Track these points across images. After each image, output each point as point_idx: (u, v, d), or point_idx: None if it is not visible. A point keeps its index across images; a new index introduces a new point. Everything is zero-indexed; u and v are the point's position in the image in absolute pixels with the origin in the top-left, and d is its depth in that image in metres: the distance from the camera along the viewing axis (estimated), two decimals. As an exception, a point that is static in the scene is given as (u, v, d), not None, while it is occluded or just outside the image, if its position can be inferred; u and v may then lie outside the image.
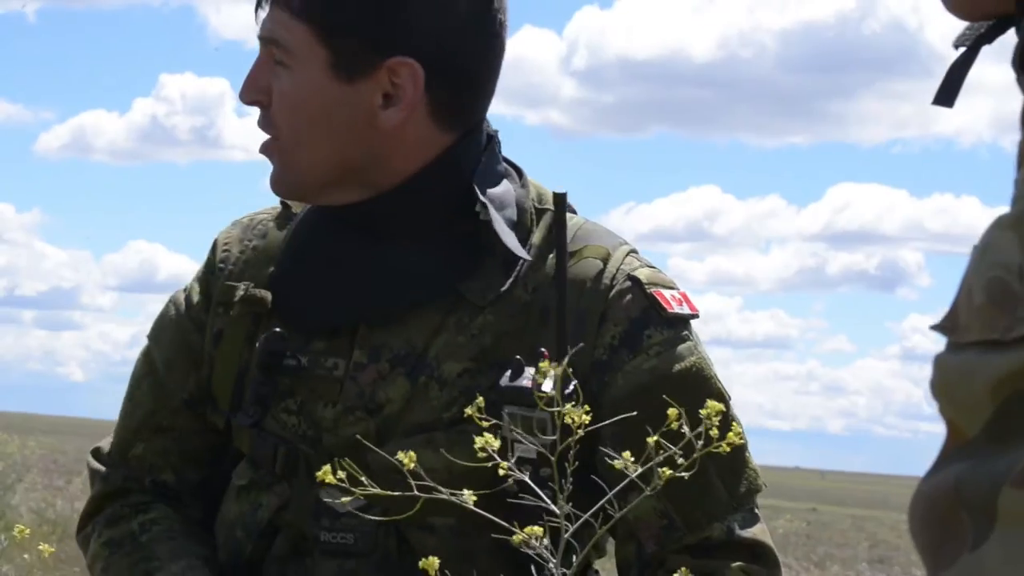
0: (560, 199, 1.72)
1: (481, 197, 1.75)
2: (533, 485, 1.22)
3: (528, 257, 1.76)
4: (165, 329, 1.94)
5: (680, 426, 1.23)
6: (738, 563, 1.71)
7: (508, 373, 1.67)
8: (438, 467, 1.65)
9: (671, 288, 1.78)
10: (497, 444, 1.23)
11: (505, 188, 1.80)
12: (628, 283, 1.76)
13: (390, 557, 1.73)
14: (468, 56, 1.76)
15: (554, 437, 1.25)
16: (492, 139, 1.83)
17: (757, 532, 1.74)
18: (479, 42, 1.76)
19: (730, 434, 1.26)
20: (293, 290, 1.82)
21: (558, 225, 1.72)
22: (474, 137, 1.80)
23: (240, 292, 1.85)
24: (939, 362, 0.81)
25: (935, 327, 0.83)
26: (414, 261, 1.76)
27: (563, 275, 1.70)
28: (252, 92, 1.77)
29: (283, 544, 1.79)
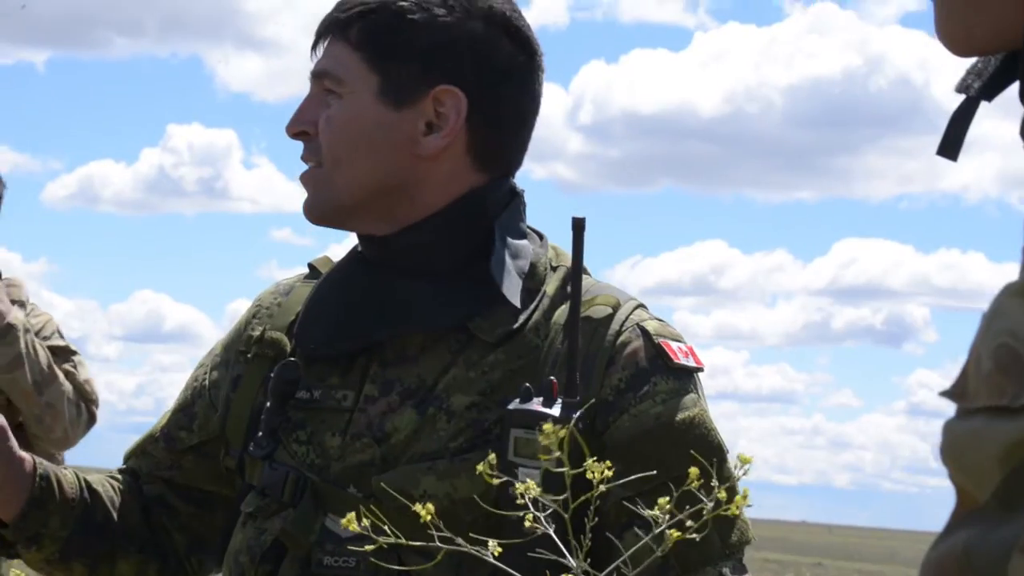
0: (579, 223, 1.74)
1: (498, 242, 1.82)
2: (556, 539, 1.24)
3: (517, 304, 1.81)
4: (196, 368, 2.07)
5: (701, 484, 1.24)
6: None
7: (517, 399, 1.70)
8: (439, 494, 1.72)
9: (678, 341, 1.83)
10: (537, 491, 1.24)
11: (524, 243, 1.87)
12: (637, 332, 1.81)
13: None
14: (508, 98, 1.86)
15: (565, 496, 1.26)
16: (518, 196, 1.90)
17: None
18: (519, 88, 1.87)
19: (738, 497, 1.30)
20: (309, 324, 1.88)
21: (575, 247, 1.74)
22: (502, 185, 1.87)
23: (257, 333, 1.94)
24: (948, 428, 0.80)
25: (944, 393, 0.82)
26: (427, 296, 1.82)
27: (577, 297, 1.72)
28: (298, 124, 1.87)
29: (288, 569, 1.82)
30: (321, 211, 1.88)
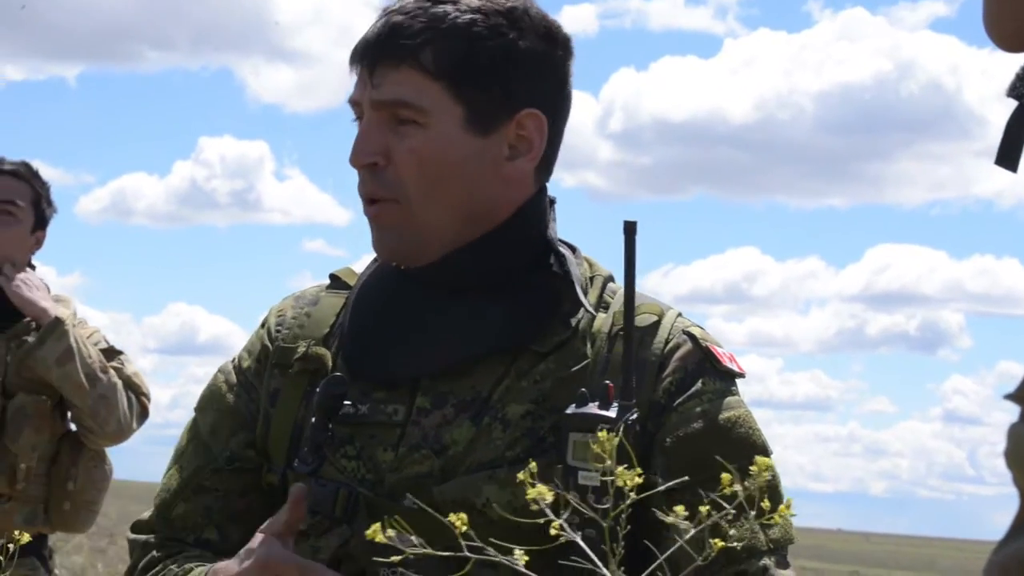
0: (630, 226, 1.75)
1: (559, 248, 1.86)
2: (584, 546, 1.22)
3: (590, 308, 1.84)
4: (211, 398, 1.98)
5: (732, 486, 1.22)
6: None
7: (574, 404, 1.71)
8: (500, 501, 1.73)
9: (721, 347, 1.88)
10: (550, 497, 1.22)
11: (567, 252, 1.89)
12: (684, 337, 1.85)
13: None
14: (566, 109, 1.89)
15: (606, 505, 1.24)
16: (553, 202, 1.91)
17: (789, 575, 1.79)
18: (569, 96, 1.89)
19: (781, 507, 1.31)
20: (356, 345, 1.87)
21: (627, 250, 1.75)
22: (545, 193, 1.90)
23: (301, 350, 1.90)
24: (1013, 432, 0.80)
25: (1009, 396, 0.81)
26: (488, 316, 1.82)
27: (631, 302, 1.75)
28: (366, 155, 1.81)
29: None
30: (404, 251, 1.83)
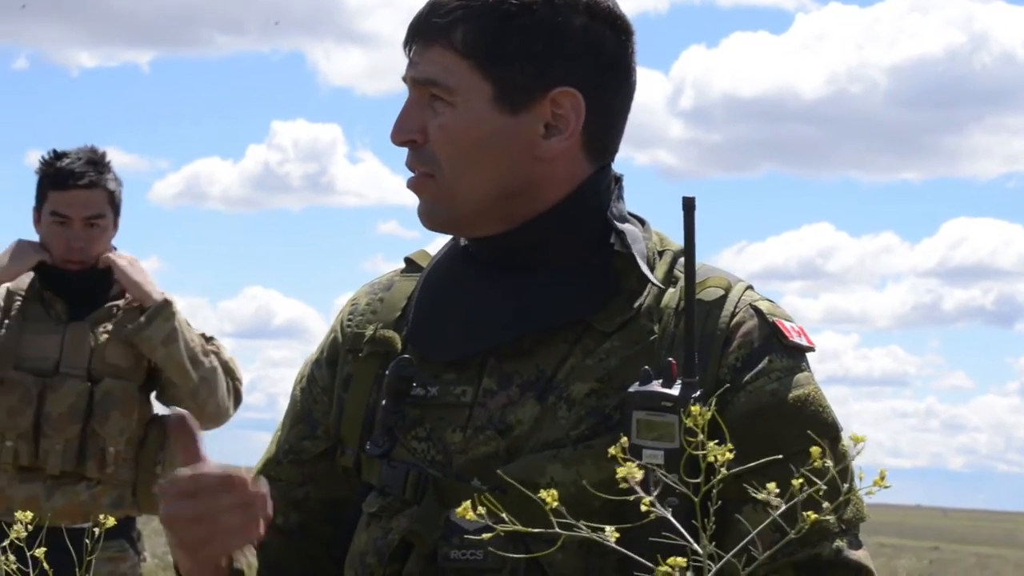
0: (689, 202, 1.74)
1: (618, 226, 1.83)
2: (675, 522, 1.23)
3: (658, 283, 1.82)
4: (294, 385, 2.05)
5: (822, 461, 1.23)
6: None
7: (637, 382, 1.71)
8: (566, 481, 1.73)
9: (790, 320, 1.85)
10: (640, 475, 1.23)
11: (631, 227, 1.87)
12: (751, 311, 1.82)
13: (519, 573, 1.76)
14: (616, 89, 1.86)
15: (697, 480, 1.25)
16: (619, 180, 1.90)
17: (863, 556, 1.77)
18: (624, 77, 1.86)
19: (876, 478, 1.30)
20: (425, 326, 1.88)
21: (687, 226, 1.74)
22: (607, 172, 1.88)
23: (369, 333, 1.93)
24: None
25: None
26: (547, 292, 1.82)
27: (692, 279, 1.73)
28: (405, 132, 1.84)
29: (414, 565, 1.82)
30: (442, 221, 1.86)
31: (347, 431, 1.93)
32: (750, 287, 1.86)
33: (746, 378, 1.77)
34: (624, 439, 1.31)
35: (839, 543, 1.74)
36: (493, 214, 1.83)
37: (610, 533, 1.25)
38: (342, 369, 1.95)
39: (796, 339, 1.82)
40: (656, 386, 1.68)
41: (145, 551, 4.40)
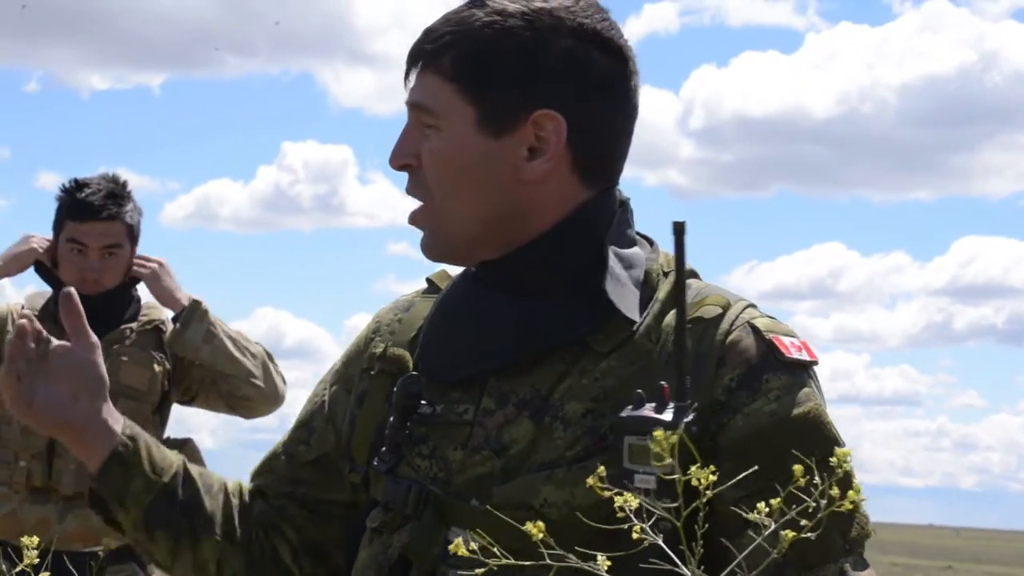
0: (679, 226, 1.73)
1: (615, 254, 1.83)
2: (667, 549, 1.25)
3: (636, 319, 1.81)
4: (310, 405, 2.11)
5: (807, 480, 1.25)
6: None
7: (629, 406, 1.69)
8: (559, 502, 1.74)
9: (790, 336, 1.81)
10: (635, 503, 1.25)
11: (635, 251, 1.87)
12: (748, 329, 1.80)
13: None
14: (606, 112, 1.85)
15: (677, 504, 1.27)
16: (624, 204, 1.90)
17: None
18: (616, 99, 1.86)
19: (850, 492, 1.30)
20: (432, 346, 1.91)
21: (677, 250, 1.72)
22: (608, 197, 1.88)
23: (379, 351, 1.97)
24: None
25: None
26: (545, 315, 1.83)
27: (683, 303, 1.70)
28: (400, 156, 1.88)
29: None
30: (438, 250, 1.89)
31: (357, 448, 1.96)
32: (752, 305, 1.84)
33: (743, 399, 1.75)
34: (601, 468, 1.32)
35: (843, 564, 1.72)
36: (487, 240, 1.85)
37: (601, 562, 1.27)
38: (357, 387, 2.00)
39: (795, 355, 1.79)
40: (648, 411, 1.67)
41: (154, 572, 4.42)
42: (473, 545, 1.31)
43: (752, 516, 1.27)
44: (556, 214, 1.84)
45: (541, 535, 1.25)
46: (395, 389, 1.89)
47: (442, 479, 1.84)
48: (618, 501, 1.25)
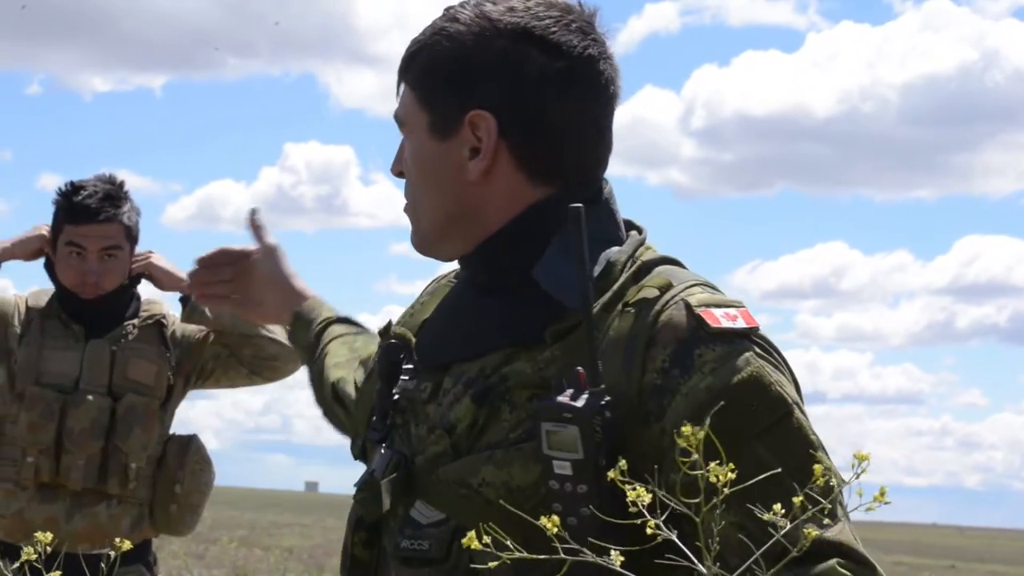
0: (574, 212, 1.73)
1: (551, 249, 1.84)
2: (682, 546, 1.25)
3: (575, 305, 1.76)
4: None
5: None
6: (824, 564, 1.61)
7: (549, 393, 1.71)
8: (496, 482, 1.77)
9: (727, 307, 1.77)
10: (648, 499, 1.25)
11: (608, 250, 1.86)
12: (679, 306, 1.76)
13: (461, 566, 1.79)
14: (547, 109, 1.86)
15: (698, 500, 1.26)
16: (599, 203, 1.89)
17: (839, 531, 1.64)
18: (559, 96, 1.86)
19: (876, 495, 1.31)
20: (422, 336, 2.00)
21: (575, 236, 1.73)
22: (567, 196, 1.84)
23: (385, 327, 2.05)
24: None
25: None
26: (501, 314, 1.88)
27: (586, 287, 1.72)
28: (395, 164, 2.02)
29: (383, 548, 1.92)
30: (416, 245, 2.00)
31: (358, 419, 2.07)
32: (699, 284, 1.81)
33: (677, 377, 1.71)
34: (623, 462, 1.33)
35: (807, 526, 1.60)
36: (450, 238, 1.94)
37: (615, 557, 1.27)
38: (371, 364, 2.10)
39: (726, 323, 1.73)
40: (565, 397, 1.67)
41: (160, 574, 4.43)
42: (487, 539, 1.32)
43: (768, 517, 1.28)
44: (507, 213, 1.89)
45: (556, 529, 1.25)
46: (377, 357, 2.01)
47: (408, 454, 1.90)
48: (631, 496, 1.25)
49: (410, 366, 1.96)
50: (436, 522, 1.82)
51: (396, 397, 1.95)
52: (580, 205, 1.73)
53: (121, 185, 4.33)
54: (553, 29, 1.87)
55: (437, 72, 1.90)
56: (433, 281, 2.14)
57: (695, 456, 1.26)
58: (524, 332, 1.84)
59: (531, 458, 1.73)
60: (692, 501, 1.29)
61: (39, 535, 1.65)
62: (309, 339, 2.44)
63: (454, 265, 2.04)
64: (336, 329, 2.43)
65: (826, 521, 1.60)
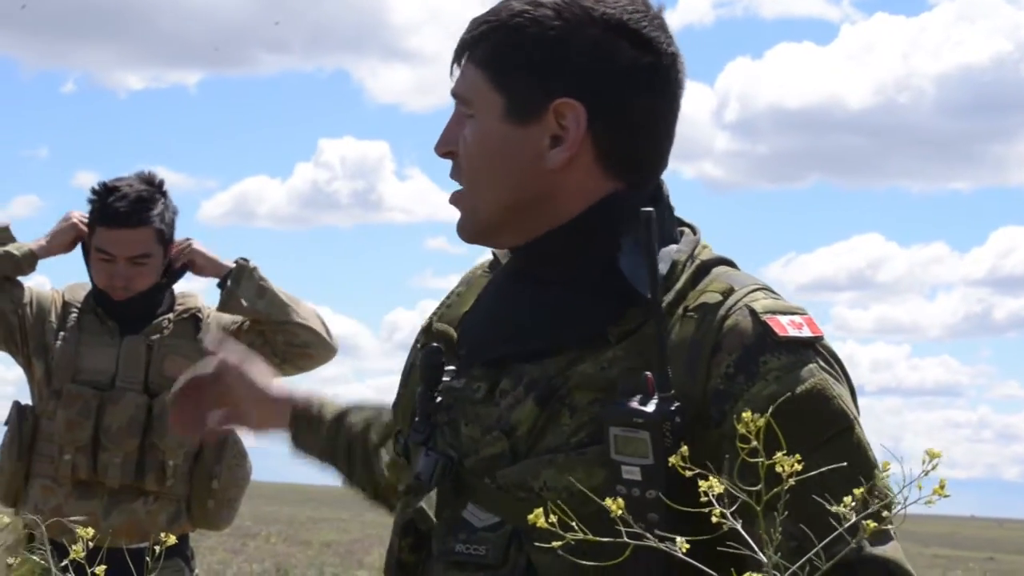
0: (646, 216, 1.74)
1: (624, 246, 1.82)
2: (745, 534, 1.22)
3: (647, 295, 1.76)
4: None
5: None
6: None
7: (618, 397, 1.71)
8: (558, 487, 1.75)
9: (792, 314, 1.77)
10: (721, 488, 1.23)
11: (668, 248, 1.85)
12: (744, 312, 1.76)
13: (519, 572, 1.78)
14: (634, 103, 1.85)
15: (758, 487, 1.24)
16: (658, 199, 1.88)
17: (890, 550, 1.66)
18: (646, 91, 1.86)
19: (936, 487, 1.28)
20: (466, 329, 1.95)
21: (645, 239, 1.74)
22: (642, 190, 1.87)
23: (427, 324, 2.01)
24: None
25: None
26: (563, 307, 1.85)
27: (656, 291, 1.73)
28: (444, 144, 1.93)
29: (433, 553, 1.87)
30: (468, 232, 1.93)
31: (401, 419, 2.01)
32: (761, 289, 1.81)
33: (741, 384, 1.71)
34: (685, 448, 1.34)
35: (860, 540, 1.59)
36: (512, 226, 1.89)
37: (680, 544, 1.26)
38: (409, 359, 2.05)
39: (793, 332, 1.74)
40: (633, 403, 1.67)
41: (197, 568, 4.43)
42: (553, 518, 1.31)
43: (836, 508, 1.26)
44: (579, 204, 1.86)
45: (620, 511, 1.24)
46: (418, 361, 1.95)
47: (454, 453, 1.87)
48: (703, 486, 1.24)
49: (451, 366, 1.92)
50: (491, 526, 1.80)
51: (439, 399, 1.91)
52: (652, 209, 1.74)
53: (160, 184, 4.32)
54: (644, 24, 1.86)
55: (518, 55, 1.85)
56: (468, 272, 2.10)
57: (754, 443, 1.24)
58: (587, 328, 1.82)
59: (595, 463, 1.72)
60: (752, 488, 1.27)
61: (80, 530, 1.65)
62: (321, 439, 2.32)
63: (480, 255, 2.02)
64: (353, 418, 2.31)
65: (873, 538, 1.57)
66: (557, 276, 1.87)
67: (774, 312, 1.75)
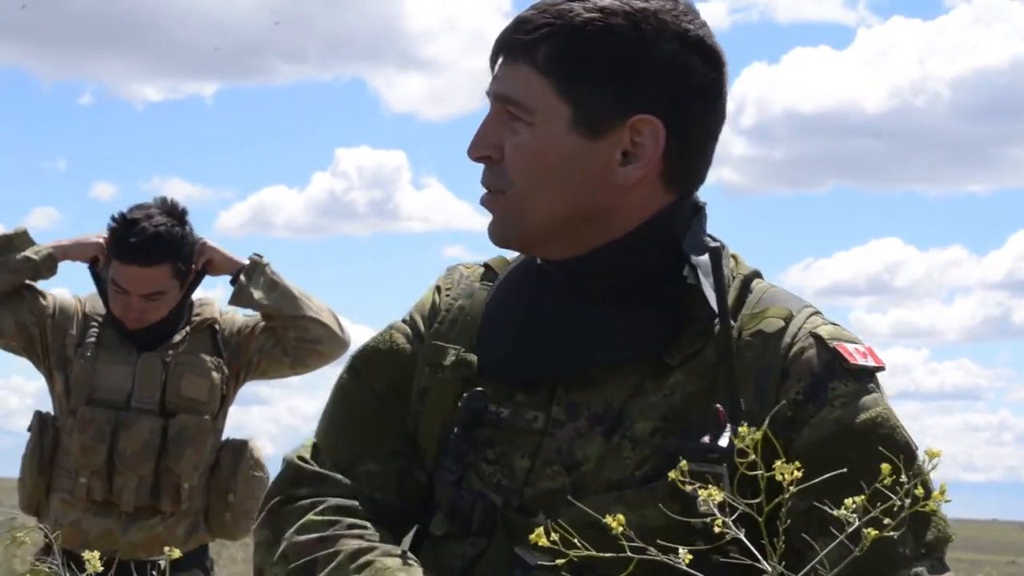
0: (715, 252, 1.74)
1: (692, 259, 1.77)
2: (748, 543, 1.23)
3: (732, 320, 1.76)
4: (385, 356, 1.94)
5: (893, 481, 1.23)
6: None
7: (691, 432, 1.69)
8: (629, 525, 1.67)
9: (855, 343, 1.78)
10: (720, 497, 1.24)
11: (705, 259, 1.80)
12: (810, 339, 1.76)
13: None
14: (701, 119, 1.80)
15: (759, 500, 1.25)
16: (700, 209, 1.85)
17: None
18: (711, 107, 1.81)
19: (935, 493, 1.32)
20: (496, 346, 1.84)
21: (716, 277, 1.73)
22: (687, 202, 1.83)
23: (451, 358, 1.87)
24: None
25: None
26: (617, 323, 1.78)
27: (727, 331, 1.71)
28: (481, 148, 1.81)
29: None
30: (508, 236, 1.83)
31: (425, 444, 1.88)
32: (816, 312, 1.80)
33: (810, 410, 1.72)
34: (684, 463, 1.33)
35: (918, 569, 1.67)
36: (563, 237, 1.79)
37: (683, 555, 1.26)
38: (419, 380, 1.90)
39: (860, 361, 1.74)
40: (707, 438, 1.67)
41: (218, 579, 4.42)
42: (554, 536, 1.31)
43: (838, 513, 1.27)
44: (637, 218, 1.79)
45: (621, 528, 1.25)
46: (460, 403, 1.83)
47: (508, 488, 1.80)
48: (702, 494, 1.24)
49: (480, 388, 1.83)
50: (548, 563, 1.68)
51: (477, 430, 1.81)
52: (723, 244, 1.74)
53: (182, 214, 4.27)
54: (713, 40, 1.81)
55: (592, 64, 1.75)
56: (448, 279, 1.95)
57: (751, 456, 1.25)
58: (645, 348, 1.77)
59: (666, 497, 1.68)
60: (754, 500, 1.28)
61: (87, 554, 1.67)
62: None
63: (458, 261, 1.94)
64: None
65: (931, 570, 1.67)
66: (611, 291, 1.80)
67: (839, 339, 1.76)
